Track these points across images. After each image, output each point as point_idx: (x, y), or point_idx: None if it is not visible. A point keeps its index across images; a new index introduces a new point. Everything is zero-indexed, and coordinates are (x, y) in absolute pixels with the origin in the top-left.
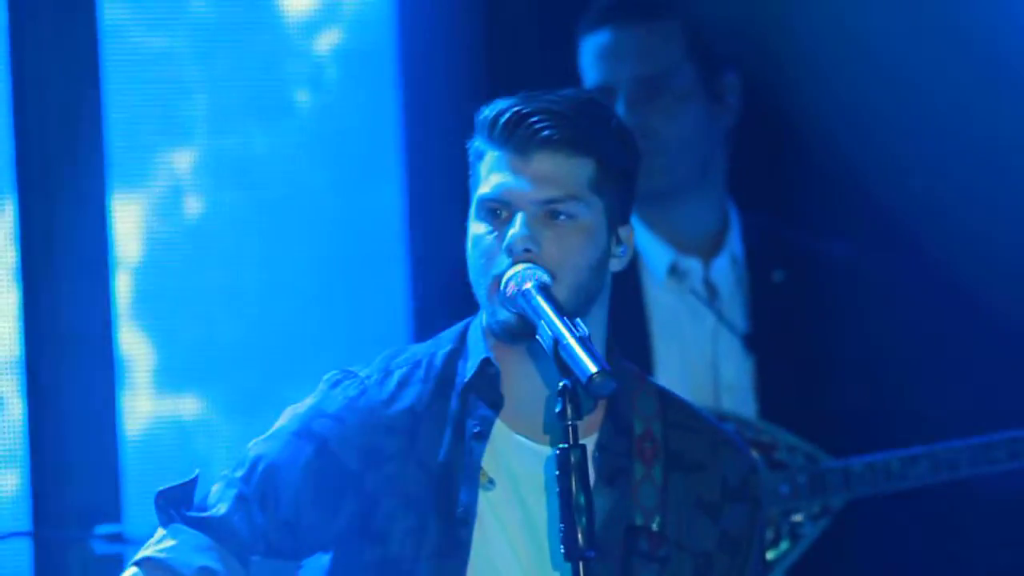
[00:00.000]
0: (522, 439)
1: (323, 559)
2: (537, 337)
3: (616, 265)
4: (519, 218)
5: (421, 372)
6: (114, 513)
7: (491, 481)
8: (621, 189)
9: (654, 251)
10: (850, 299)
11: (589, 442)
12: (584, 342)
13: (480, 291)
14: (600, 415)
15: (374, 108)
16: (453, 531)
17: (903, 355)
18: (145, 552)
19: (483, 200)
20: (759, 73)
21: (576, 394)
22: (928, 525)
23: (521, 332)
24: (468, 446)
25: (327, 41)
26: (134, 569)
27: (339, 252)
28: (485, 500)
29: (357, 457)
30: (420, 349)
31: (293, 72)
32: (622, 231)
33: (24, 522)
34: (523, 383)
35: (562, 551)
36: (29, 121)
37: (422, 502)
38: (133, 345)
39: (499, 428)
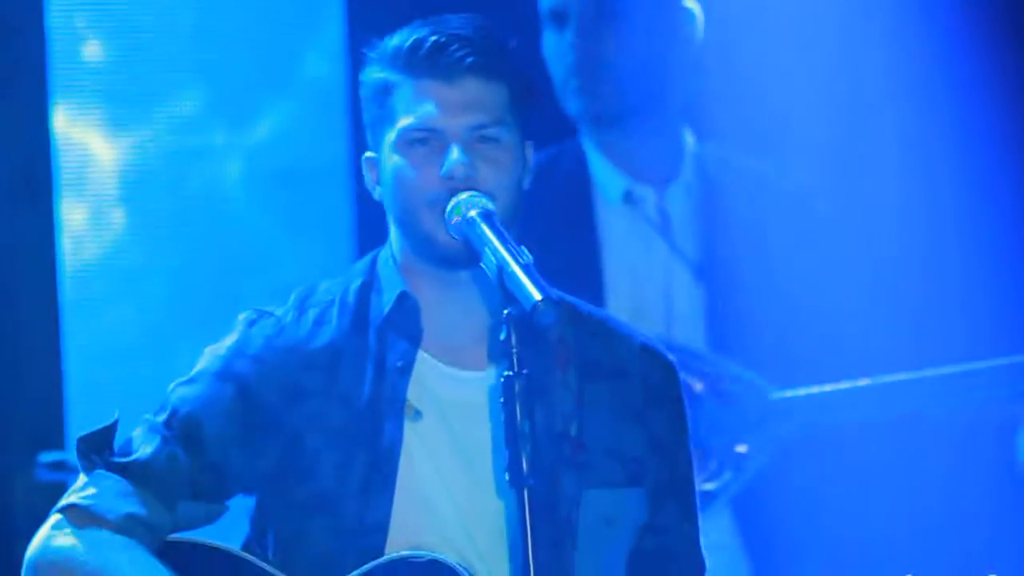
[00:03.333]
0: (445, 367)
1: (248, 501)
2: (482, 265)
3: (525, 183)
4: (455, 146)
5: (336, 308)
6: (57, 441)
7: (417, 412)
8: (530, 108)
9: (608, 178)
10: (803, 231)
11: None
12: (528, 269)
13: (413, 221)
14: None
15: (321, 33)
16: (379, 465)
17: (854, 287)
18: (68, 499)
19: (409, 131)
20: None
21: (520, 322)
22: (873, 457)
23: (465, 260)
24: (391, 380)
25: None
26: (57, 517)
27: (286, 177)
28: (412, 432)
29: (279, 396)
30: (331, 286)
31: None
32: (527, 149)
33: None
34: (442, 312)
35: (507, 478)
36: None
37: (347, 438)
38: (76, 269)
39: (422, 359)
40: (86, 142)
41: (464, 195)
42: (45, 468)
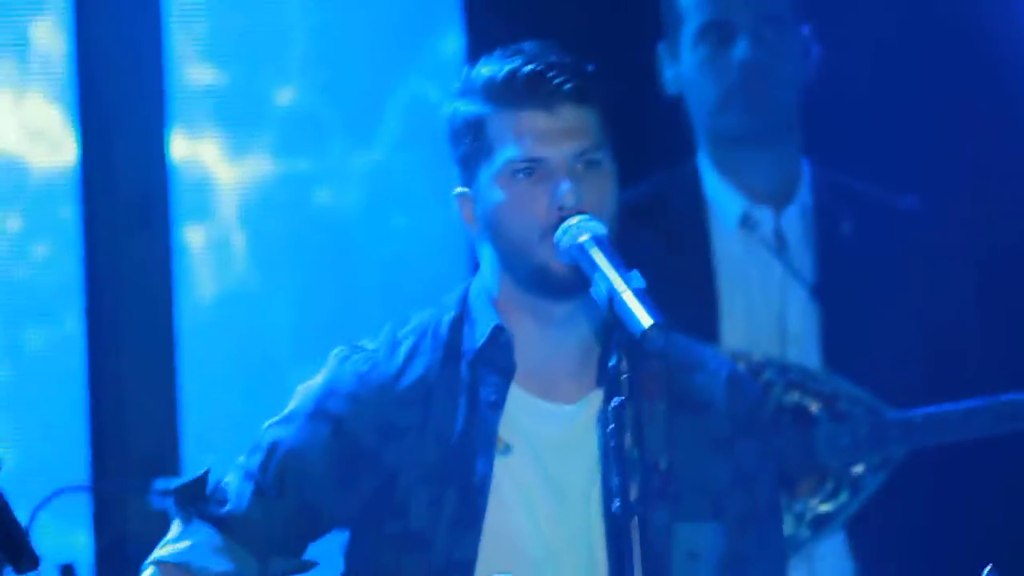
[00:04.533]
0: (538, 401)
1: (343, 536)
2: (592, 292)
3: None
4: (564, 175)
5: (428, 341)
6: (172, 467)
7: (508, 447)
8: (614, 132)
9: (726, 200)
10: (917, 252)
11: (598, 395)
12: (640, 294)
13: (525, 254)
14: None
15: (439, 53)
16: (470, 500)
17: (967, 308)
18: (160, 552)
19: (513, 161)
20: (831, 28)
21: (631, 347)
22: (989, 478)
23: (575, 286)
24: (483, 415)
25: None
26: (152, 569)
27: (405, 200)
28: (502, 466)
29: (373, 434)
30: (424, 317)
31: (347, 19)
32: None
33: (83, 476)
34: (535, 347)
35: (616, 507)
36: (91, 60)
37: (440, 474)
38: (194, 294)
39: (513, 392)
40: (205, 166)
41: (575, 219)
42: (159, 495)
